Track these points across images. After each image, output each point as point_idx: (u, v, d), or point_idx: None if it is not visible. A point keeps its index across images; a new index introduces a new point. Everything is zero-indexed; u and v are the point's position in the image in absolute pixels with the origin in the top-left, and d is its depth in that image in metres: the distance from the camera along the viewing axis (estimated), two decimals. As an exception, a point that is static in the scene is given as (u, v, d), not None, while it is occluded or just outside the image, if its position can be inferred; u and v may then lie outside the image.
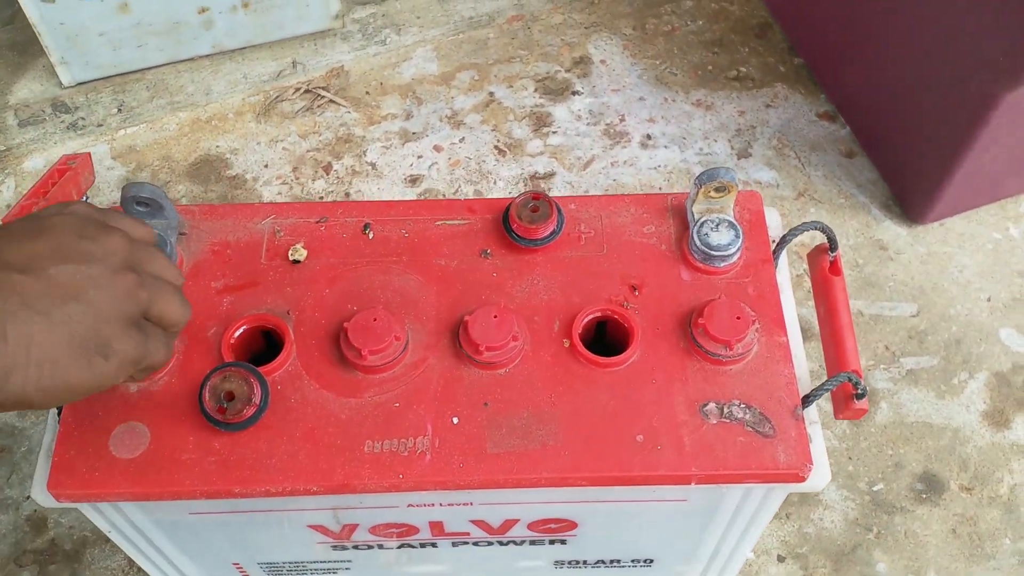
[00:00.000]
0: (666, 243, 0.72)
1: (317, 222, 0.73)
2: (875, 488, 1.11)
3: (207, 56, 1.48)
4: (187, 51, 1.46)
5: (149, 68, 1.46)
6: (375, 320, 0.66)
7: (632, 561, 0.85)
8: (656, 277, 0.71)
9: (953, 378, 1.19)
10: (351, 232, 0.73)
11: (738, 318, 0.66)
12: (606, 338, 0.71)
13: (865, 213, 1.32)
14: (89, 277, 0.51)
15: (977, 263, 1.28)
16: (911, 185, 1.29)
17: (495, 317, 0.66)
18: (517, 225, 0.70)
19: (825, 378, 0.66)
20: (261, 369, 0.65)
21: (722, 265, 0.70)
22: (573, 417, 0.65)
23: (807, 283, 1.23)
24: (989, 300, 1.25)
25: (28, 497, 1.11)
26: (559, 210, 0.71)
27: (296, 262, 0.71)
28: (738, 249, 0.70)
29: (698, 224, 0.70)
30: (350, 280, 0.71)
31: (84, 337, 0.50)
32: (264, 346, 0.71)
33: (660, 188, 1.36)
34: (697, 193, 0.70)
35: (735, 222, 0.70)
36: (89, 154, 0.70)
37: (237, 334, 0.68)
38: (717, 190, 0.69)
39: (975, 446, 1.14)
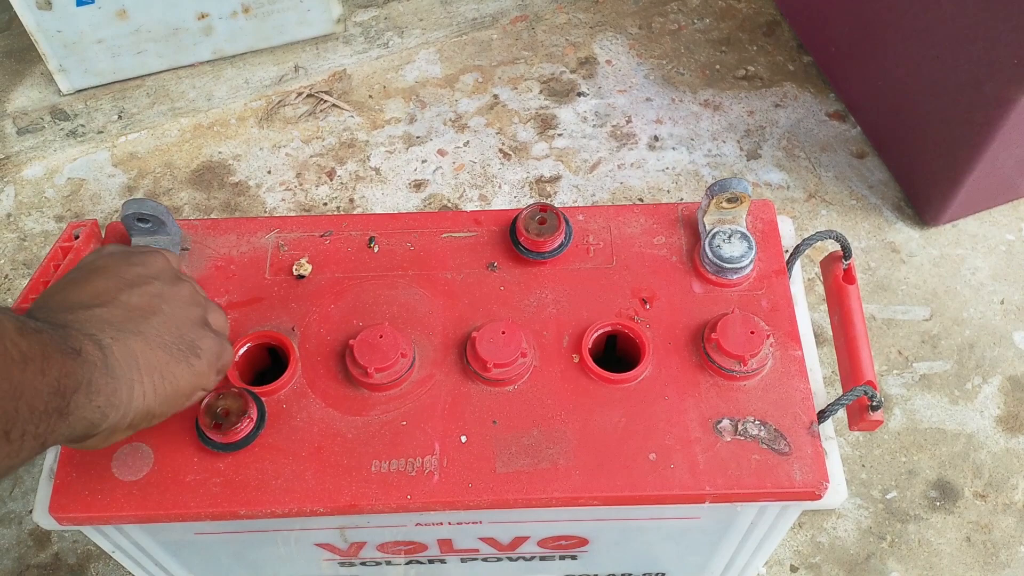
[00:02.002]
0: (677, 255, 0.71)
1: (321, 236, 0.72)
2: (889, 496, 1.10)
3: (208, 62, 1.46)
4: (187, 57, 1.44)
5: (149, 74, 1.45)
6: (381, 337, 0.64)
7: (643, 575, 0.84)
8: (667, 290, 0.69)
9: (967, 383, 1.17)
10: (356, 246, 0.72)
11: (752, 332, 0.64)
12: (616, 353, 0.70)
13: (877, 215, 1.31)
14: (156, 294, 0.56)
15: (990, 265, 1.26)
16: (924, 186, 1.27)
17: (503, 333, 0.65)
18: (524, 238, 0.69)
19: (838, 384, 0.65)
20: (265, 387, 0.64)
21: (735, 277, 0.69)
22: (584, 435, 0.63)
23: (819, 287, 1.22)
24: (1002, 303, 1.23)
25: (31, 511, 1.10)
26: (567, 222, 0.70)
27: (300, 277, 0.70)
28: (751, 261, 0.68)
29: (710, 235, 0.69)
30: (355, 295, 0.69)
31: (175, 343, 0.55)
32: (269, 363, 0.70)
33: (668, 191, 1.35)
34: (709, 204, 0.68)
35: (748, 233, 0.69)
36: (96, 221, 0.69)
37: (241, 351, 0.67)
38: (729, 201, 0.68)
39: (989, 452, 1.12)
